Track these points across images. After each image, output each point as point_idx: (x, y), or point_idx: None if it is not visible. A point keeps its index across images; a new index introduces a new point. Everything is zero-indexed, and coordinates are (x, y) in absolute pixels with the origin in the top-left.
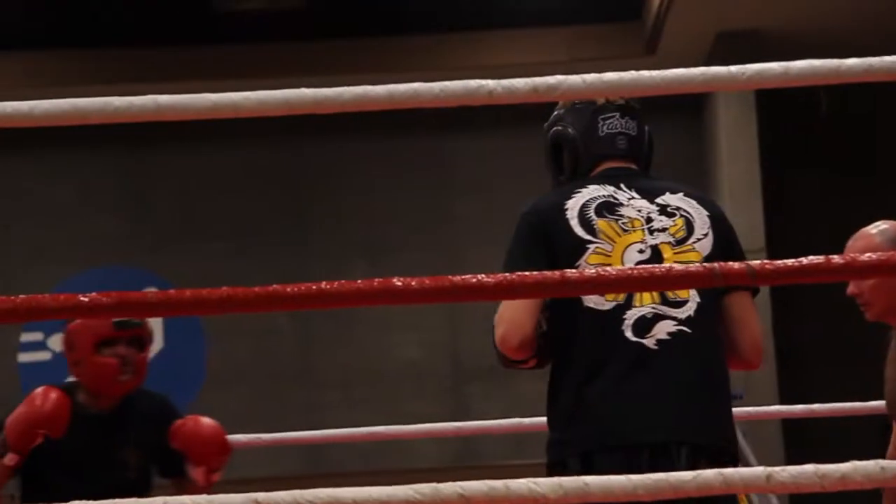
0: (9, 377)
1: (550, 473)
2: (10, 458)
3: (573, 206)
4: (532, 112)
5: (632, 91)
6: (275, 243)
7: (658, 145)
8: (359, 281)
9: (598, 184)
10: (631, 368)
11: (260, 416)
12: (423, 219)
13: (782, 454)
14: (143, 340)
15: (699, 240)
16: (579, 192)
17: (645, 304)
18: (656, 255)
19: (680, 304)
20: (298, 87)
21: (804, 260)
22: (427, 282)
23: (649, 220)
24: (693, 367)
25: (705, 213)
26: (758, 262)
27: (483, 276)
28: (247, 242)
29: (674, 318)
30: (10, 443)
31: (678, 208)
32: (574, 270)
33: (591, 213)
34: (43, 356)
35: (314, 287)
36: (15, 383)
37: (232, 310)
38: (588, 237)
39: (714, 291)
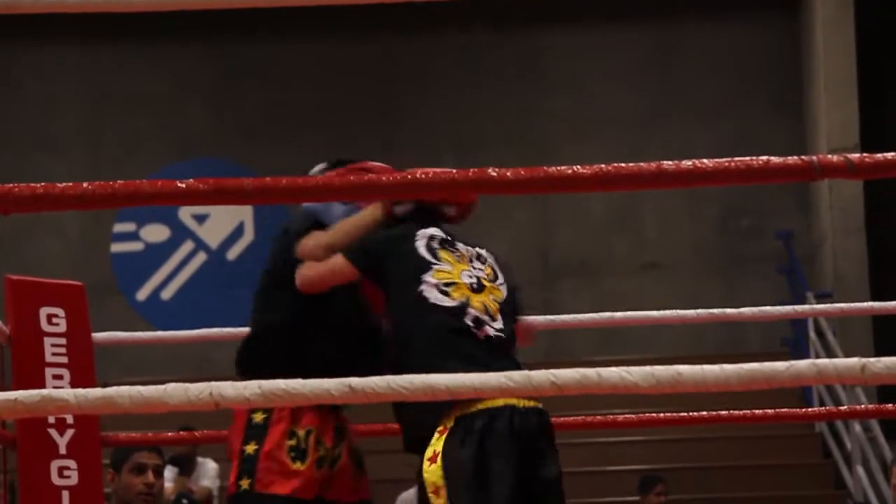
0: (102, 267)
1: (419, 447)
2: (405, 209)
3: (420, 236)
4: (623, 8)
5: None
6: (362, 136)
7: (753, 42)
8: (454, 170)
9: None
10: (476, 351)
11: None
12: (513, 114)
13: (872, 351)
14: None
15: (501, 284)
16: (422, 229)
17: (476, 309)
18: (479, 283)
19: (494, 320)
20: None
21: None
22: (522, 172)
23: (472, 259)
24: (508, 358)
25: (500, 269)
26: (856, 155)
27: (578, 167)
28: (335, 135)
29: (492, 327)
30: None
31: (487, 259)
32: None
33: (435, 244)
34: (135, 246)
35: (409, 176)
36: (108, 273)
37: (328, 198)
38: (431, 259)
39: (512, 323)
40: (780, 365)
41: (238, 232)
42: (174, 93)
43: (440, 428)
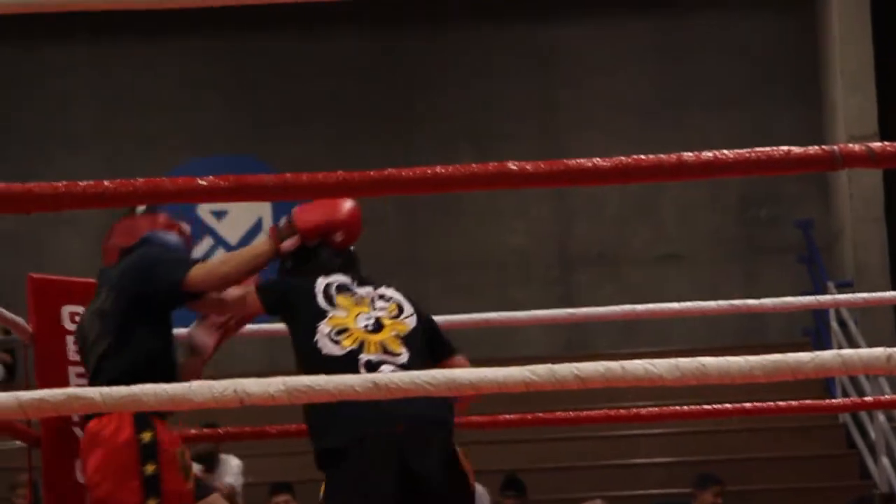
0: None
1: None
2: (291, 243)
3: (320, 284)
4: None
5: None
6: (378, 131)
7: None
8: (473, 165)
9: (337, 273)
10: None
11: None
12: (529, 106)
13: (893, 341)
14: None
15: (407, 317)
16: (324, 276)
17: (371, 352)
18: (379, 324)
19: (397, 355)
20: None
21: None
22: (542, 165)
23: (373, 300)
24: None
25: (410, 304)
26: (877, 144)
27: (598, 159)
28: (351, 130)
29: (393, 364)
30: (301, 229)
31: (392, 297)
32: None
33: (332, 291)
34: None
35: (429, 171)
36: None
37: (348, 194)
38: (326, 306)
39: (422, 354)
40: (804, 356)
41: (257, 228)
42: (191, 89)
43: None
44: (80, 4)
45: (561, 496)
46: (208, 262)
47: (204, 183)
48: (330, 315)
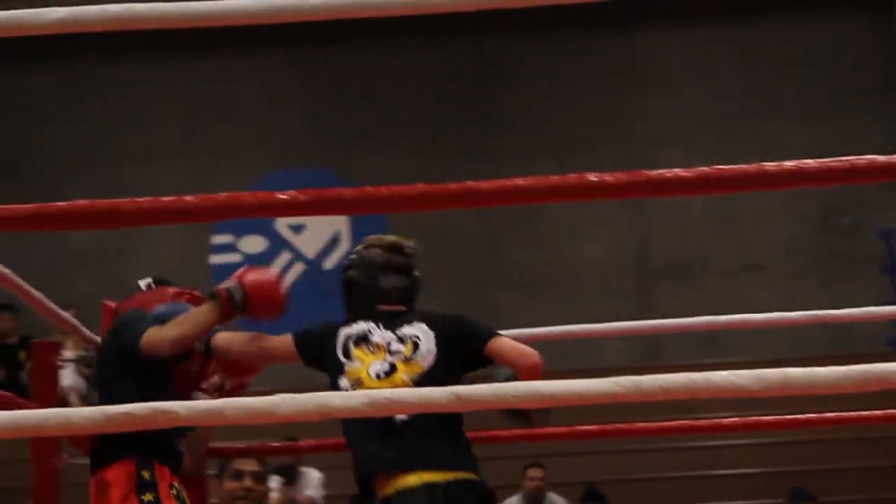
0: (202, 279)
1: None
2: (237, 317)
3: (341, 335)
4: (716, 8)
5: None
6: (459, 143)
7: (847, 42)
8: (554, 176)
9: (364, 320)
10: (389, 432)
11: None
12: (610, 117)
13: None
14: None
15: (423, 357)
16: (347, 326)
17: None
18: (392, 368)
19: None
20: None
21: None
22: (622, 176)
23: (389, 345)
24: (424, 431)
25: (432, 333)
26: None
27: (679, 170)
28: (430, 144)
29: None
30: (253, 312)
31: (410, 335)
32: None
33: (350, 343)
34: (233, 258)
35: (509, 183)
36: (208, 284)
37: (428, 207)
38: (344, 360)
39: (441, 380)
40: (891, 366)
41: (334, 242)
42: (270, 103)
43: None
44: (175, 21)
45: None
46: (164, 325)
47: (284, 197)
48: (347, 369)
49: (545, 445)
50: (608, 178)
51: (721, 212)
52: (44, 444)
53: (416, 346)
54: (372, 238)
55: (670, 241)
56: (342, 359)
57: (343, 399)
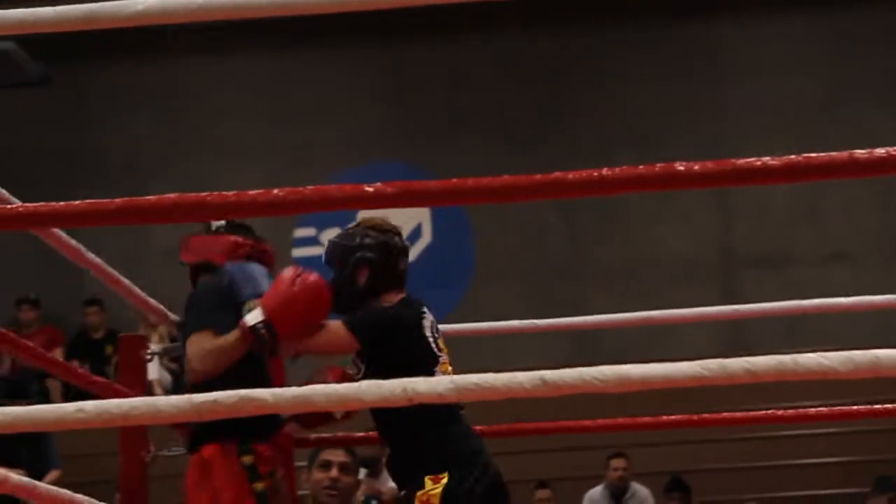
0: None
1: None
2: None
3: (427, 321)
4: None
5: None
6: (537, 136)
7: None
8: (640, 167)
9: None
10: (469, 427)
11: (528, 310)
12: (691, 108)
13: None
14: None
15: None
16: (425, 313)
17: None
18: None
19: None
20: None
21: None
22: (710, 165)
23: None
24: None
25: None
26: None
27: (768, 158)
28: (509, 135)
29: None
30: (282, 337)
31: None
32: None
33: (436, 332)
34: (316, 251)
35: (595, 174)
36: None
37: (514, 198)
38: (438, 353)
39: None
40: None
41: (416, 234)
42: (351, 98)
43: (433, 475)
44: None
45: (726, 497)
46: (205, 349)
47: (371, 190)
48: (440, 360)
49: (629, 435)
50: (696, 167)
51: (805, 200)
52: (131, 436)
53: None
54: (374, 220)
55: (755, 232)
56: (434, 348)
57: (429, 385)
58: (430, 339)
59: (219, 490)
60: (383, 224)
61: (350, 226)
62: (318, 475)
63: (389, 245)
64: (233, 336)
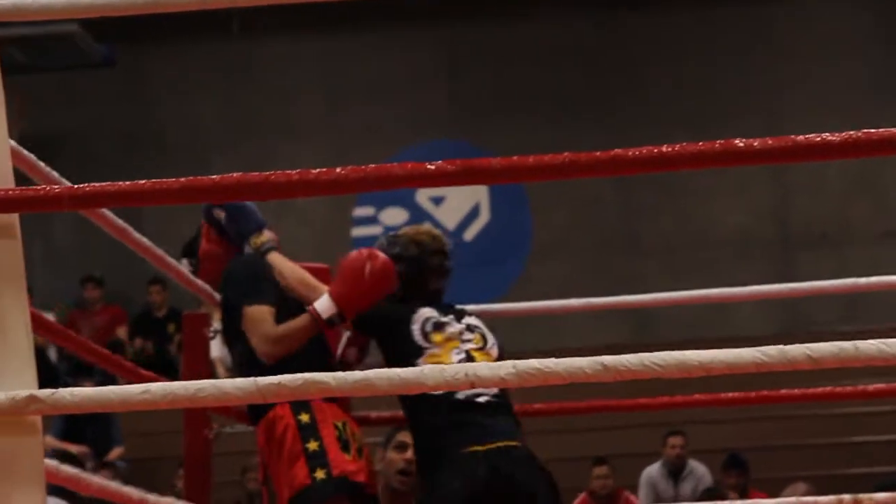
0: (344, 251)
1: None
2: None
3: (417, 319)
4: None
5: None
6: (591, 115)
7: None
8: (699, 143)
9: (429, 307)
10: (478, 418)
11: (584, 287)
12: (745, 87)
13: None
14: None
15: (492, 346)
16: (418, 311)
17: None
18: (469, 357)
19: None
20: None
21: None
22: (769, 142)
23: (461, 334)
24: (509, 415)
25: (488, 330)
26: None
27: (827, 134)
28: (564, 113)
29: (486, 394)
30: (350, 318)
31: (475, 326)
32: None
33: (428, 327)
34: (375, 230)
35: (655, 150)
36: None
37: (574, 175)
38: (424, 343)
39: None
40: None
41: (474, 213)
42: (408, 77)
43: (424, 473)
44: None
45: (784, 475)
46: (277, 334)
47: (432, 167)
48: (428, 353)
49: (686, 413)
50: (755, 143)
51: (863, 177)
52: (195, 415)
53: (484, 337)
54: (422, 234)
55: (812, 209)
56: (420, 341)
57: (491, 370)
58: (418, 333)
59: (275, 453)
60: (430, 241)
61: (401, 231)
62: (392, 456)
63: (425, 264)
64: (303, 321)
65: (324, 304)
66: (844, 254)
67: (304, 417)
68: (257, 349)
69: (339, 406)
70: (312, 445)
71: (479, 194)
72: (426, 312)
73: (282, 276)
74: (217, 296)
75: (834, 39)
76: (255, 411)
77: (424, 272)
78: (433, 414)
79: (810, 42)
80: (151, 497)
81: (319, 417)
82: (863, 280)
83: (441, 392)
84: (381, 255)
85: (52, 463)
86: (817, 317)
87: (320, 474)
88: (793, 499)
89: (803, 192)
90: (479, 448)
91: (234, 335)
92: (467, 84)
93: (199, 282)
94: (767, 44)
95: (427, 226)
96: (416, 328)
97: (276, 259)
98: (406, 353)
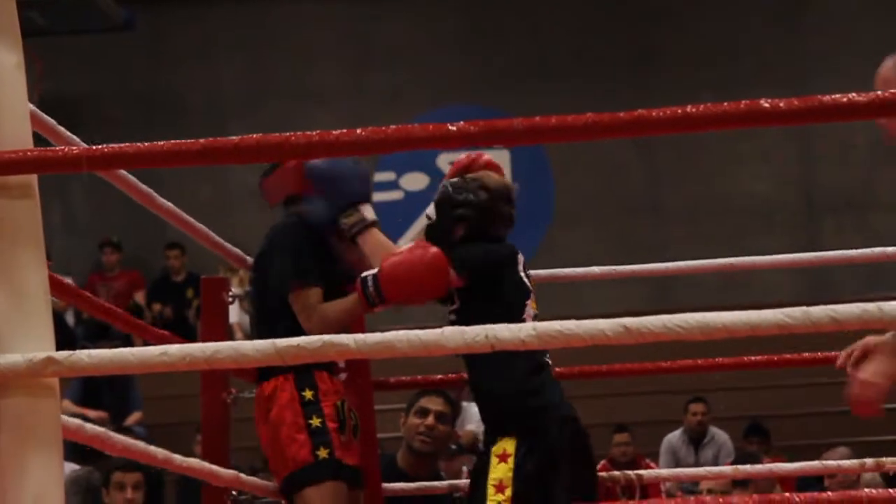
0: None
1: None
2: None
3: (520, 261)
4: None
5: None
6: (616, 78)
7: None
8: (724, 104)
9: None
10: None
11: (606, 253)
12: (771, 52)
13: None
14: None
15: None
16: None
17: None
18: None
19: None
20: None
21: None
22: (795, 102)
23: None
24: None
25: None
26: None
27: (854, 94)
28: (588, 78)
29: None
30: (390, 301)
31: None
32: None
33: (527, 272)
34: (395, 195)
35: (679, 111)
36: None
37: (598, 136)
38: (529, 286)
39: None
40: None
41: None
42: (429, 42)
43: (506, 437)
44: None
45: (805, 442)
46: (329, 319)
47: (454, 129)
48: (532, 297)
49: (708, 380)
50: (781, 104)
51: (888, 145)
52: (213, 379)
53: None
54: (491, 178)
55: (837, 176)
56: (528, 283)
57: (511, 332)
58: (523, 274)
59: (275, 425)
60: (499, 186)
61: (470, 175)
62: (414, 420)
63: (493, 211)
64: (350, 302)
65: (369, 282)
66: (871, 222)
67: (308, 394)
68: (311, 333)
69: (343, 383)
70: (315, 422)
71: (501, 160)
72: (520, 255)
73: (369, 260)
74: (248, 258)
75: (867, 5)
76: (258, 377)
77: (494, 219)
78: (521, 373)
79: (837, 5)
80: (177, 457)
81: (322, 390)
82: (890, 249)
83: (524, 352)
84: (442, 258)
85: (75, 421)
86: (841, 285)
87: (323, 454)
88: (816, 462)
89: (828, 158)
90: (569, 409)
91: (275, 308)
92: (490, 49)
93: (227, 244)
94: (794, 8)
95: (494, 173)
96: (521, 269)
97: (369, 241)
98: (519, 296)
